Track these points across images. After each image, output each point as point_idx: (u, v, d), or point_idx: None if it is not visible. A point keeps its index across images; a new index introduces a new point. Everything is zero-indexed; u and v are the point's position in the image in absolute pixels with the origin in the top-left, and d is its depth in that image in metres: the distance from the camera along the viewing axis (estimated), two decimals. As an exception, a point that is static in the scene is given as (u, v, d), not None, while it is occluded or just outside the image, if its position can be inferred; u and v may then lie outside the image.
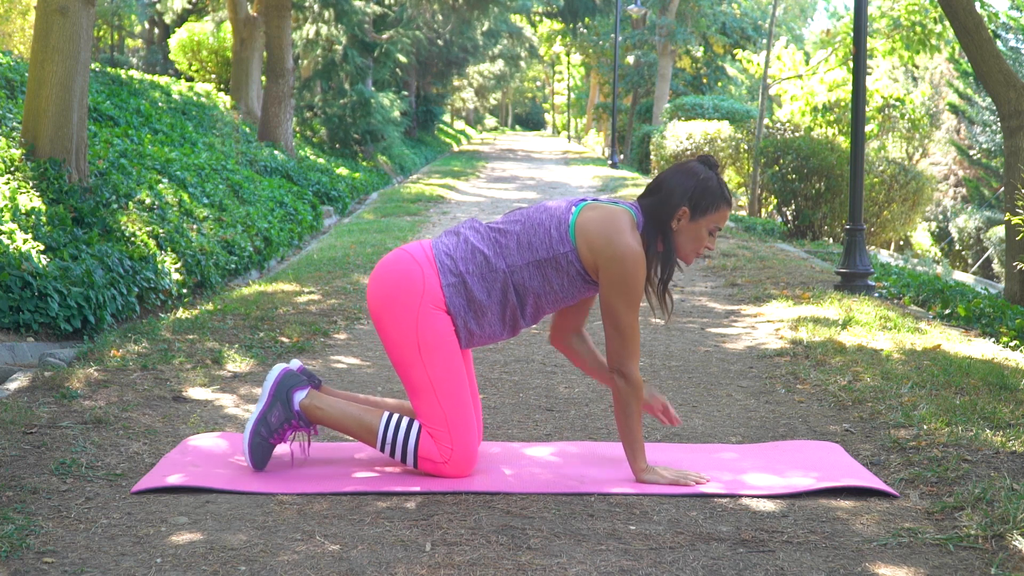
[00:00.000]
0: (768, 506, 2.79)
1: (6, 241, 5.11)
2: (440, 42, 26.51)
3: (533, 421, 3.69)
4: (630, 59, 28.54)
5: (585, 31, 33.65)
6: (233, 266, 7.55)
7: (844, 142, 13.60)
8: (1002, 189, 11.09)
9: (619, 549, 2.47)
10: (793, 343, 4.97)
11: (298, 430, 3.02)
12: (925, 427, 3.40)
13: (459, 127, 47.73)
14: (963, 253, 22.71)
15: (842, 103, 15.54)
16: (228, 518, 2.64)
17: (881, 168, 13.94)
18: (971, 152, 26.71)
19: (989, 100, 23.07)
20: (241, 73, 16.22)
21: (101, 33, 24.61)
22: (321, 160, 15.65)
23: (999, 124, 12.26)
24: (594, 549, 2.47)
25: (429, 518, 2.66)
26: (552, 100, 66.75)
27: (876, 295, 6.81)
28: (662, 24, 25.08)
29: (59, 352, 4.51)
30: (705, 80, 30.09)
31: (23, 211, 5.61)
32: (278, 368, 3.03)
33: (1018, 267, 7.09)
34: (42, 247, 5.33)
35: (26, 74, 8.33)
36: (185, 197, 7.92)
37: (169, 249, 6.63)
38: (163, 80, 14.58)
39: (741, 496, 2.85)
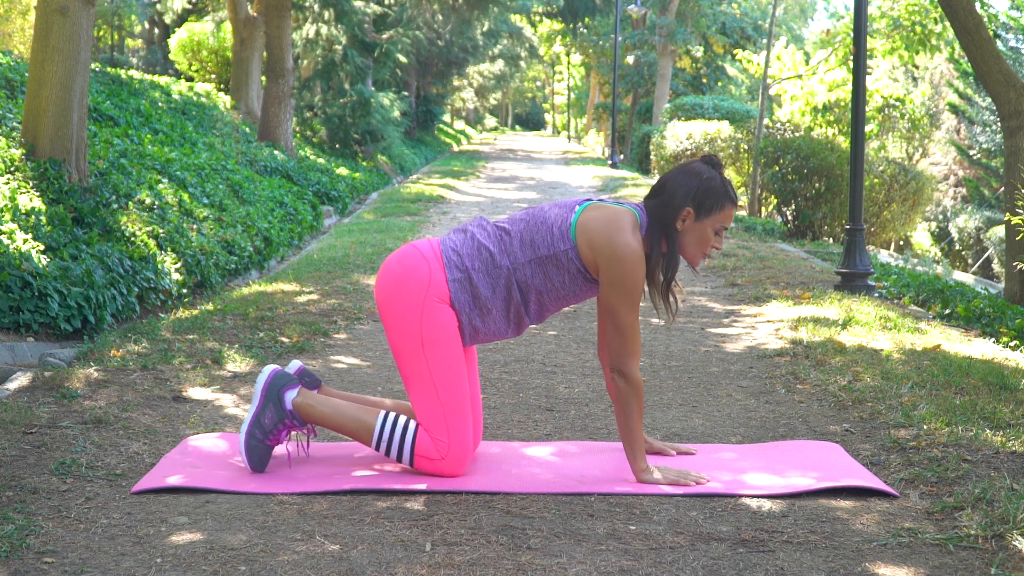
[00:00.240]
0: (768, 506, 2.79)
1: (6, 241, 5.11)
2: (440, 42, 26.51)
3: (533, 421, 3.70)
4: (630, 59, 28.54)
5: (585, 31, 33.65)
6: (233, 266, 7.55)
7: (844, 142, 13.60)
8: (1002, 189, 11.10)
9: (619, 549, 2.47)
10: (793, 343, 4.97)
11: (293, 430, 3.03)
12: (925, 427, 3.40)
13: (459, 127, 47.73)
14: (963, 253, 22.71)
15: (842, 103, 15.54)
16: (228, 518, 2.64)
17: (881, 168, 13.94)
18: (971, 152, 26.72)
19: (989, 100, 23.08)
20: (241, 73, 16.22)
21: (101, 33, 24.61)
22: (321, 160, 15.65)
23: (999, 124, 12.26)
24: (594, 549, 2.47)
25: (429, 518, 2.66)
26: (552, 100, 66.75)
27: (876, 295, 6.81)
28: (662, 24, 25.08)
29: (59, 352, 4.51)
30: (705, 80, 30.09)
31: (23, 211, 5.61)
32: (268, 369, 3.03)
33: (1018, 267, 7.09)
34: (42, 247, 5.33)
35: (26, 74, 8.33)
36: (185, 197, 7.93)
37: (169, 249, 6.63)
38: (163, 80, 14.58)
39: (741, 496, 2.85)
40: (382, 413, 3.00)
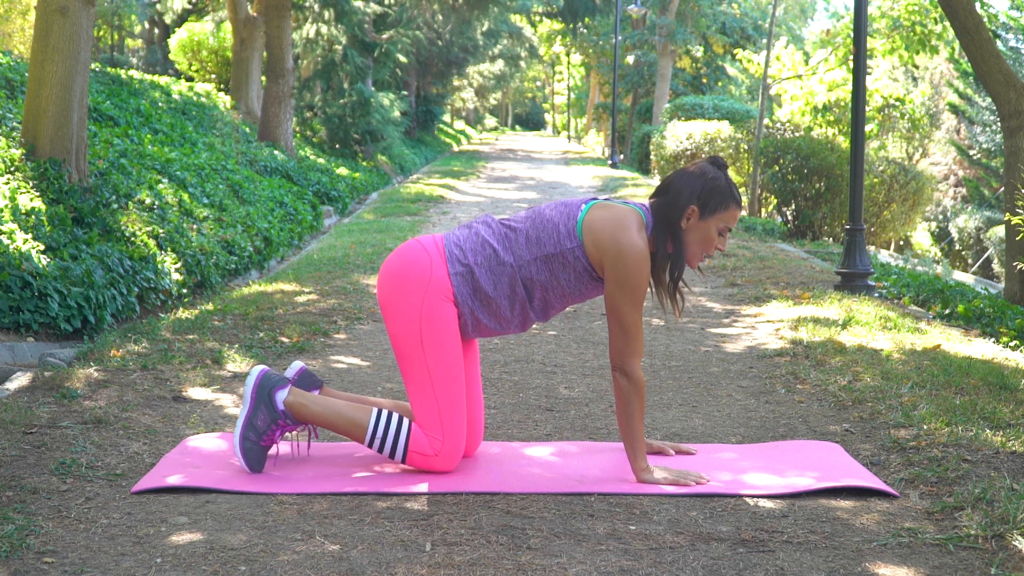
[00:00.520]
0: (768, 506, 2.79)
1: (6, 241, 5.11)
2: (440, 42, 26.51)
3: (533, 421, 3.70)
4: (630, 59, 28.54)
5: (585, 31, 33.65)
6: (233, 266, 7.55)
7: (844, 142, 13.60)
8: (1002, 189, 11.10)
9: (619, 549, 2.47)
10: (793, 343, 4.97)
11: (287, 429, 3.03)
12: (925, 427, 3.40)
13: (459, 127, 47.73)
14: (963, 253, 22.70)
15: (842, 103, 15.54)
16: (228, 518, 2.64)
17: (881, 168, 13.93)
18: (971, 152, 26.72)
19: (989, 100, 23.07)
20: (241, 73, 16.22)
21: (101, 33, 24.61)
22: (321, 160, 15.65)
23: (999, 124, 12.26)
24: (594, 549, 2.47)
25: (429, 518, 2.66)
26: (552, 100, 66.76)
27: (876, 295, 6.81)
28: (662, 24, 25.08)
29: (59, 352, 4.51)
30: (705, 80, 30.09)
31: (23, 211, 5.61)
32: (257, 370, 3.02)
33: (1018, 267, 7.09)
34: (42, 247, 5.33)
35: (26, 74, 8.34)
36: (185, 197, 7.93)
37: (169, 249, 6.63)
38: (163, 80, 14.58)
39: (741, 496, 2.85)
40: (375, 411, 3.00)
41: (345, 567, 2.34)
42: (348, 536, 2.53)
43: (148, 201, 7.12)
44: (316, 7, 17.14)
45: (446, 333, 2.95)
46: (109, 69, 13.23)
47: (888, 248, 19.16)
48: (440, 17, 22.08)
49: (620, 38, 25.32)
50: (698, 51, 28.74)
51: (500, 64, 37.39)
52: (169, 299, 6.21)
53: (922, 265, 14.01)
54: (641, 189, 15.09)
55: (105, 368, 4.06)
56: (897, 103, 16.17)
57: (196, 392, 3.91)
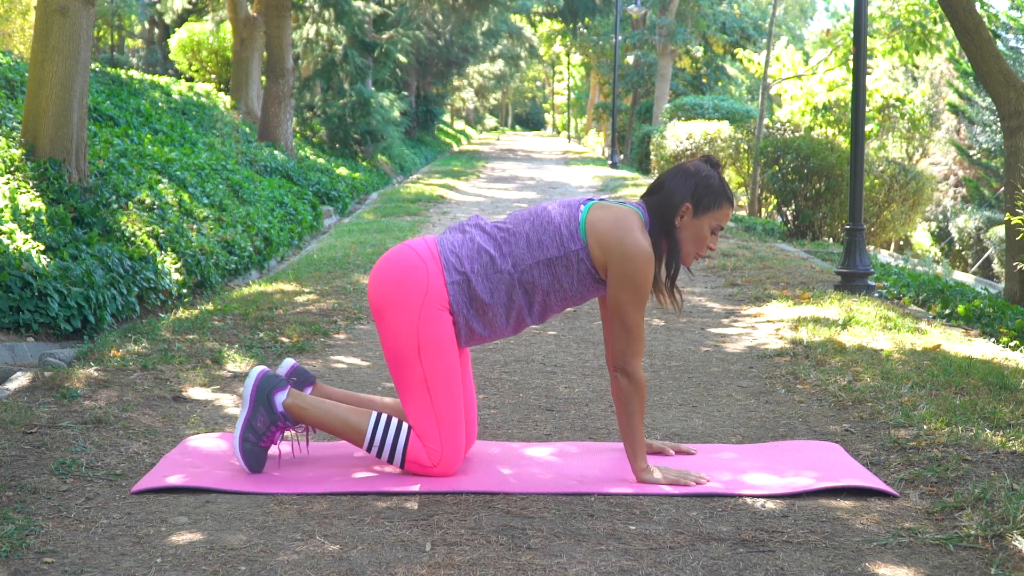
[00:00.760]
0: (768, 506, 2.79)
1: (6, 241, 5.11)
2: (440, 42, 26.51)
3: (533, 421, 3.69)
4: (630, 59, 28.54)
5: (585, 31, 33.66)
6: (233, 266, 7.55)
7: (844, 142, 13.60)
8: (1002, 189, 11.11)
9: (619, 549, 2.47)
10: (793, 343, 4.97)
11: (287, 430, 3.02)
12: (925, 427, 3.40)
13: (459, 127, 47.73)
14: (963, 253, 22.70)
15: (842, 103, 15.54)
16: (228, 518, 2.64)
17: (881, 168, 13.93)
18: (971, 152, 26.72)
19: (989, 100, 23.07)
20: (241, 73, 16.22)
21: (101, 33, 24.61)
22: (321, 160, 15.65)
23: (999, 124, 12.26)
24: (594, 549, 2.47)
25: (429, 518, 2.66)
26: (552, 100, 66.76)
27: (876, 295, 6.81)
28: (662, 24, 25.08)
29: (59, 352, 4.51)
30: (705, 80, 30.10)
31: (23, 211, 5.61)
32: (256, 372, 3.01)
33: (1018, 267, 7.09)
34: (42, 247, 5.33)
35: (26, 74, 8.33)
36: (185, 197, 7.93)
37: (169, 249, 6.63)
38: (163, 80, 14.58)
39: (741, 496, 2.85)
40: (374, 415, 2.98)
41: (345, 567, 2.34)
42: (348, 536, 2.53)
43: (148, 201, 7.12)
44: (316, 7, 17.14)
45: (443, 343, 2.93)
46: (109, 69, 13.23)
47: (888, 248, 19.16)
48: (440, 17, 22.09)
49: (620, 38, 25.32)
50: (698, 51, 28.75)
51: (500, 64, 37.39)
52: (169, 299, 6.21)
53: (922, 265, 14.01)
54: (641, 189, 15.07)
55: (105, 368, 4.06)
56: (897, 103, 16.18)
57: (196, 392, 3.91)
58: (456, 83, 35.98)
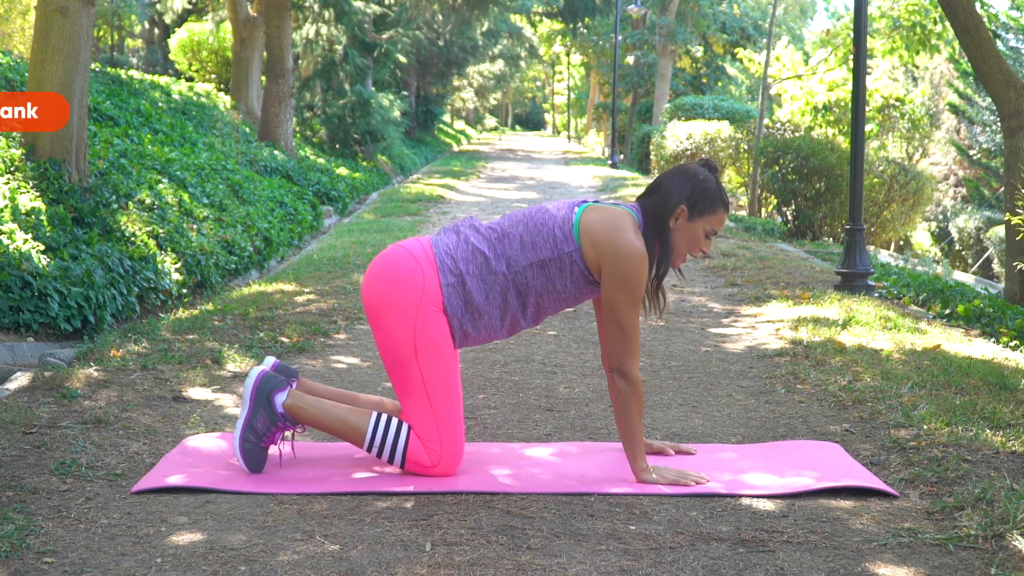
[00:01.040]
0: (768, 506, 2.79)
1: (6, 241, 5.11)
2: (440, 42, 26.51)
3: (533, 421, 3.69)
4: (630, 59, 28.55)
5: (585, 31, 33.66)
6: (233, 266, 7.55)
7: (844, 142, 13.60)
8: (1002, 189, 11.11)
9: (619, 549, 2.47)
10: (793, 343, 4.97)
11: (287, 430, 3.03)
12: (925, 427, 3.40)
13: (459, 127, 47.72)
14: (963, 253, 22.70)
15: (842, 103, 15.54)
16: (228, 518, 2.64)
17: (881, 168, 13.94)
18: (971, 152, 26.71)
19: (989, 100, 23.07)
20: (241, 73, 16.22)
21: (101, 33, 24.60)
22: (321, 160, 15.65)
23: (999, 124, 12.26)
24: (594, 549, 2.47)
25: (429, 518, 2.66)
26: (552, 100, 66.74)
27: (876, 295, 6.81)
28: (662, 24, 25.08)
29: (59, 352, 4.51)
30: (705, 80, 30.10)
31: (23, 211, 5.61)
32: (255, 372, 3.01)
33: (1018, 267, 7.09)
34: (42, 247, 5.33)
35: (26, 74, 8.33)
36: (185, 197, 7.93)
37: (169, 249, 6.63)
38: (163, 80, 14.58)
39: (741, 496, 2.85)
40: (374, 415, 2.99)
41: (345, 567, 2.34)
42: (348, 536, 2.53)
43: (148, 201, 7.12)
44: (316, 7, 17.14)
45: (439, 343, 2.93)
46: (109, 69, 13.23)
47: (888, 248, 19.16)
48: (440, 17, 22.08)
49: (620, 38, 25.32)
50: (698, 51, 28.74)
51: (500, 64, 37.39)
52: (169, 299, 6.21)
53: (922, 265, 14.01)
54: (641, 189, 15.03)
55: (105, 368, 4.06)
56: (897, 103, 16.18)
57: (196, 392, 3.91)
58: (456, 83, 35.98)
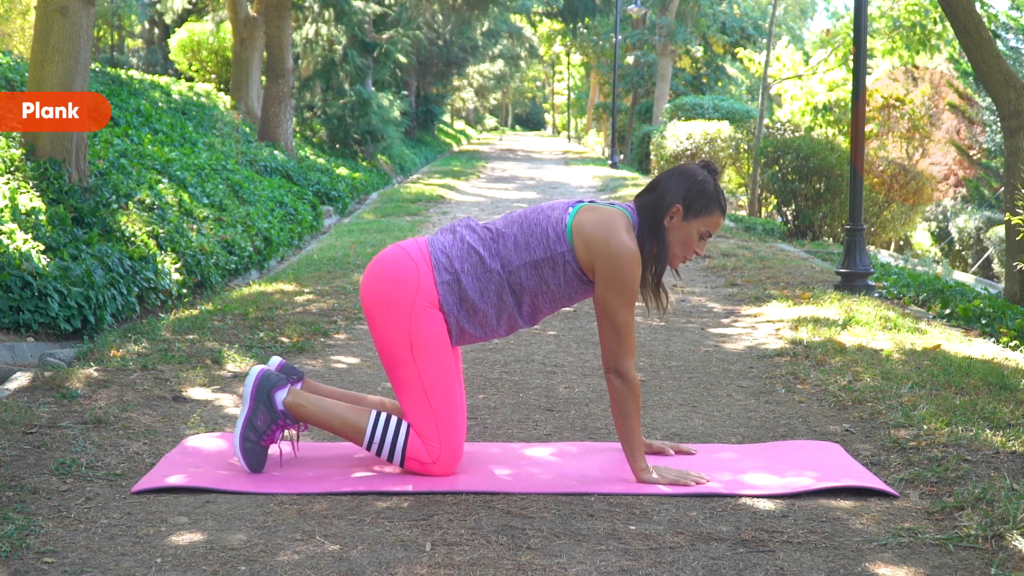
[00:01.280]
0: (768, 506, 2.79)
1: (6, 241, 5.11)
2: (440, 42, 26.51)
3: (533, 421, 3.69)
4: (630, 59, 28.54)
5: (585, 31, 33.66)
6: (233, 266, 7.55)
7: (844, 142, 13.60)
8: (1002, 189, 11.12)
9: (619, 549, 2.47)
10: (793, 343, 4.97)
11: (287, 428, 3.03)
12: (925, 427, 3.40)
13: (459, 127, 47.72)
14: (963, 253, 22.70)
15: (842, 103, 15.54)
16: (228, 518, 2.64)
17: (881, 168, 13.94)
18: (971, 152, 26.71)
19: (989, 100, 23.07)
20: (241, 73, 16.22)
21: (101, 33, 24.60)
22: (321, 160, 15.65)
23: (999, 124, 12.26)
24: (594, 549, 2.47)
25: (429, 518, 2.66)
26: (552, 100, 66.75)
27: (876, 295, 6.81)
28: (662, 24, 25.08)
29: (59, 352, 4.51)
30: (705, 80, 30.09)
31: (23, 211, 5.61)
32: (255, 371, 3.02)
33: (1018, 267, 7.09)
34: (42, 247, 5.33)
35: (26, 74, 8.33)
36: (185, 197, 7.93)
37: (169, 249, 6.63)
38: (163, 80, 14.58)
39: (741, 496, 2.85)
40: (373, 413, 2.99)
41: (345, 567, 2.34)
42: (348, 536, 2.53)
43: (148, 201, 7.12)
44: (316, 7, 17.14)
45: (437, 342, 2.94)
46: (109, 69, 13.23)
47: (888, 248, 19.16)
48: (440, 17, 22.09)
49: (620, 38, 25.33)
50: (698, 51, 28.74)
51: (500, 64, 37.39)
52: (169, 299, 6.21)
53: (922, 265, 14.01)
54: (640, 189, 15.07)
55: (105, 368, 4.06)
56: (897, 103, 16.18)
57: (196, 392, 3.91)
58: (456, 83, 35.98)
